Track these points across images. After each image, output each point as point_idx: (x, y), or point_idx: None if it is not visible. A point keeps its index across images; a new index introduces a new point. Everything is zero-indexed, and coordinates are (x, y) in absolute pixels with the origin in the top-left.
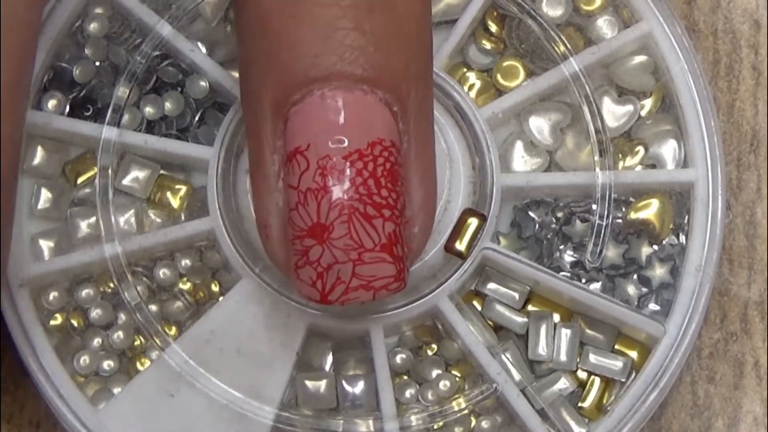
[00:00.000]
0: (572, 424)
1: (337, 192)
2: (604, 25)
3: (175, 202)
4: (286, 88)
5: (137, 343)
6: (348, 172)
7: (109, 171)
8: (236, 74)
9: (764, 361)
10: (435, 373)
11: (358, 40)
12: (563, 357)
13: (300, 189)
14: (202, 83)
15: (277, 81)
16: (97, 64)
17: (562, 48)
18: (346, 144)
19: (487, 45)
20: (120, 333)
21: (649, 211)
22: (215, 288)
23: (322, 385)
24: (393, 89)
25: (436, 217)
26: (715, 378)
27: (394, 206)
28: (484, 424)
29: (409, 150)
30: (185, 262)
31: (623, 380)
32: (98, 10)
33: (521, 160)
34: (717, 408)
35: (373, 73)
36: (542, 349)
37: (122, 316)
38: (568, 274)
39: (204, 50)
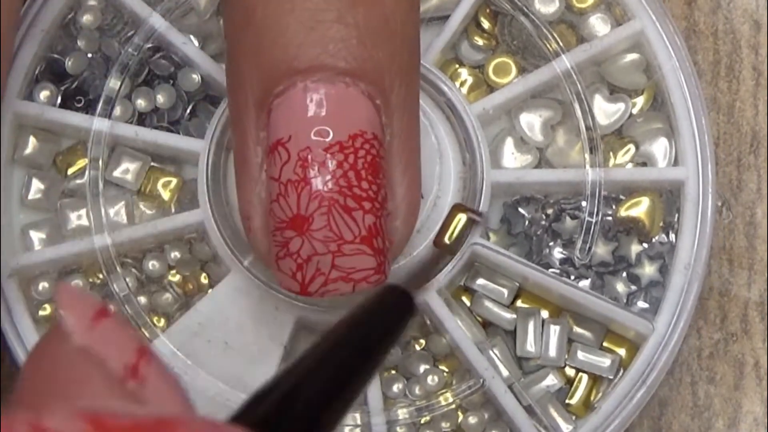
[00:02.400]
0: (559, 420)
1: (317, 184)
2: (596, 22)
3: (165, 195)
4: (270, 80)
5: None
6: (328, 164)
7: (100, 162)
8: None
9: (764, 362)
10: (423, 368)
11: (342, 33)
12: (551, 353)
13: (281, 181)
14: (194, 76)
15: (260, 72)
16: (90, 55)
17: (554, 45)
18: (329, 137)
19: (479, 41)
20: None
21: (639, 208)
22: (204, 280)
23: None
24: (376, 82)
25: (426, 212)
26: (715, 378)
27: (374, 198)
28: (471, 419)
29: (392, 143)
30: (174, 254)
31: (611, 377)
32: (91, 2)
33: (511, 157)
34: (717, 408)
35: (355, 66)
36: (530, 345)
37: (111, 307)
38: (558, 271)
39: (196, 43)
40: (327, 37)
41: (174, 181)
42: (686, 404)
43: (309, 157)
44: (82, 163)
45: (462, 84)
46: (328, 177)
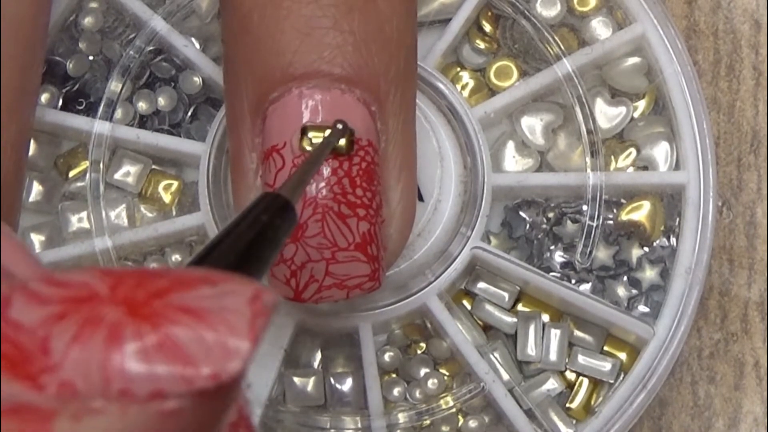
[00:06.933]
0: (560, 424)
1: (311, 191)
2: (598, 26)
3: (166, 197)
4: (265, 86)
5: None
6: (323, 170)
7: (101, 165)
8: None
9: (764, 362)
10: (423, 371)
11: (337, 39)
12: (552, 357)
13: (276, 187)
14: (196, 79)
15: (256, 78)
16: (91, 58)
17: (556, 49)
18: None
19: (481, 45)
20: None
21: (641, 212)
22: None
23: (310, 382)
24: (371, 89)
25: (427, 216)
26: (715, 378)
27: (369, 206)
28: (472, 423)
29: (387, 149)
30: (175, 257)
31: (612, 382)
32: (93, 5)
33: (512, 160)
34: (717, 408)
35: (351, 72)
36: (531, 349)
37: None
38: (558, 275)
39: (198, 46)
40: (322, 44)
41: (175, 183)
42: (686, 404)
43: None
44: (83, 165)
45: (463, 87)
46: (323, 184)
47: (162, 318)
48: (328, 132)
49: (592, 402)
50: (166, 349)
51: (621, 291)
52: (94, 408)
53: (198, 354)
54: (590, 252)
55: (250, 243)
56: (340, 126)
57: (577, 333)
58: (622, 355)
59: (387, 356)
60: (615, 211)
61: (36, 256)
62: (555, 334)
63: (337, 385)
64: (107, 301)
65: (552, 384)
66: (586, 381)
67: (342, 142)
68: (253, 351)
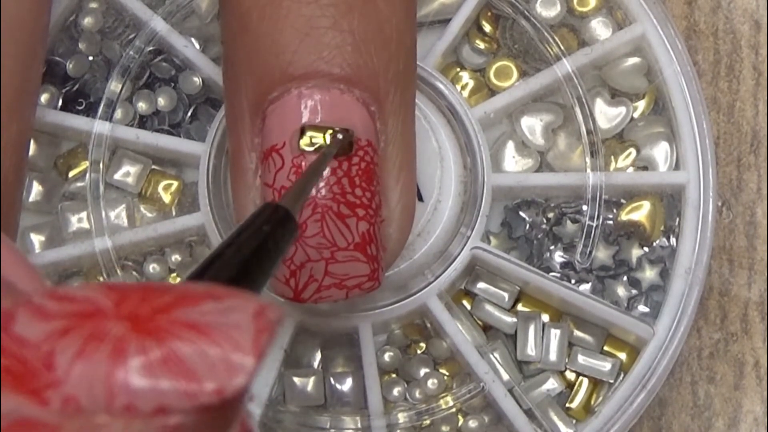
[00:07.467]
0: (560, 424)
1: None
2: (597, 26)
3: (166, 198)
4: (264, 86)
5: None
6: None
7: (101, 165)
8: None
9: (764, 362)
10: (423, 371)
11: (336, 39)
12: (552, 357)
13: (275, 187)
14: (195, 79)
15: (255, 78)
16: (91, 58)
17: (556, 49)
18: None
19: (481, 45)
20: None
21: (640, 212)
22: None
23: (310, 382)
24: (370, 89)
25: (426, 216)
26: (715, 378)
27: (368, 206)
28: (471, 423)
29: (386, 149)
30: (175, 257)
31: (611, 381)
32: (92, 5)
33: (512, 161)
34: (717, 408)
35: (350, 73)
36: (531, 349)
37: None
38: (558, 275)
39: (197, 46)
40: (322, 44)
41: (175, 184)
42: (686, 404)
43: (303, 163)
44: (82, 165)
45: (463, 87)
46: (322, 184)
47: (166, 333)
48: (328, 136)
49: (592, 402)
50: (170, 364)
51: (621, 291)
52: (98, 423)
53: (202, 369)
54: (590, 252)
55: (251, 254)
56: (340, 136)
57: (577, 333)
58: (622, 355)
59: (387, 356)
60: (615, 211)
61: (36, 268)
62: (555, 334)
63: (337, 385)
64: (112, 316)
65: (552, 384)
66: (586, 381)
67: None
68: (257, 367)
